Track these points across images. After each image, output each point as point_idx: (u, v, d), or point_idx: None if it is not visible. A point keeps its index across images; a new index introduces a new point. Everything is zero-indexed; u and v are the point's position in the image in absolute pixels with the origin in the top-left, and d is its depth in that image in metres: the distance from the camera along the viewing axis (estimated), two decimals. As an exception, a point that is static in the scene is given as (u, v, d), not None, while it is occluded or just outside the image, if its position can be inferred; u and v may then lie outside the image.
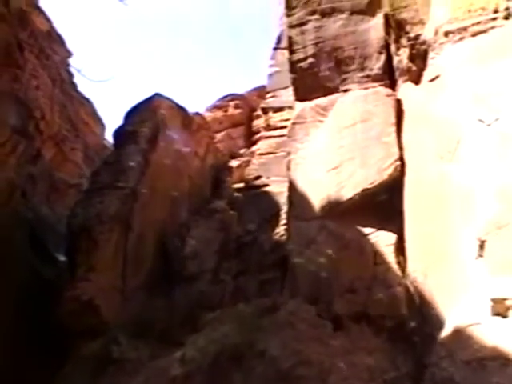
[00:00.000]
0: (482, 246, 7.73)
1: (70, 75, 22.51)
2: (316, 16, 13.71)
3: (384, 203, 11.38)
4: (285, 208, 15.74)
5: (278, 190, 18.63)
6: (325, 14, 13.61)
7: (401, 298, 10.59)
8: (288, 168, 13.67)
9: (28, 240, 15.49)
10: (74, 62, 23.13)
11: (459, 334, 7.97)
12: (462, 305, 8.26)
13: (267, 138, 22.97)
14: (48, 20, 21.21)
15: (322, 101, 13.33)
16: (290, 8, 14.12)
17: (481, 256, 7.80)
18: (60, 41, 22.09)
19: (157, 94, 18.36)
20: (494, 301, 7.35)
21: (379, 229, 11.42)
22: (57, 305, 13.71)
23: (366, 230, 11.55)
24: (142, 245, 15.79)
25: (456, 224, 8.81)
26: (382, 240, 11.28)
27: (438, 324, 8.95)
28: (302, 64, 13.74)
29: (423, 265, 9.95)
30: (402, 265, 10.87)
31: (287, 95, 19.30)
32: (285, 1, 14.46)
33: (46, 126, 18.35)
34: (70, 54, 22.81)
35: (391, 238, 11.21)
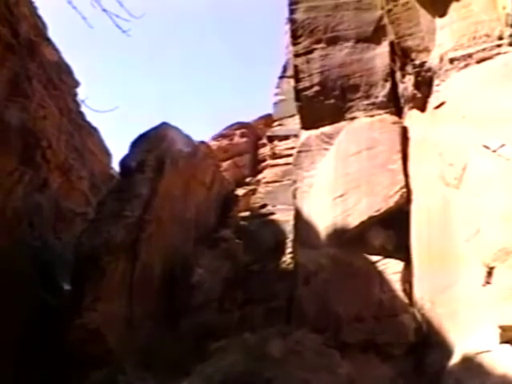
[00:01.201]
0: (489, 272, 7.68)
1: (77, 105, 22.62)
2: (322, 45, 13.78)
3: (390, 231, 11.36)
4: (291, 236, 15.72)
5: (284, 218, 18.62)
6: (330, 43, 13.68)
7: (408, 326, 10.50)
8: (294, 196, 13.67)
9: (34, 268, 15.46)
10: (81, 92, 23.20)
11: (468, 362, 7.89)
12: (470, 332, 8.19)
13: (273, 166, 23.03)
14: (56, 50, 21.38)
15: (327, 129, 13.35)
16: (295, 37, 14.20)
17: (488, 283, 7.74)
18: (68, 71, 22.23)
19: (163, 123, 18.41)
20: (503, 328, 7.28)
21: (386, 256, 11.39)
22: (63, 333, 13.63)
23: (373, 258, 11.51)
24: (149, 274, 15.74)
25: (463, 251, 8.77)
26: (389, 268, 11.22)
27: (447, 352, 8.87)
28: (307, 92, 13.78)
29: (430, 292, 9.89)
30: (409, 292, 10.81)
31: (293, 123, 19.41)
32: (291, 30, 14.54)
33: (52, 155, 18.41)
34: (77, 84, 22.95)
35: (398, 265, 11.16)
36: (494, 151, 8.28)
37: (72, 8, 11.77)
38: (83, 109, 22.81)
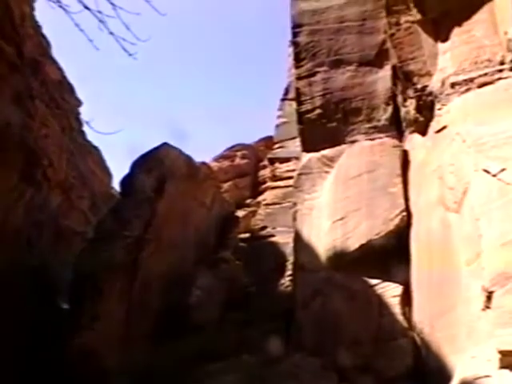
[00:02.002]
0: (489, 297, 7.62)
1: (79, 124, 22.70)
2: (324, 68, 13.84)
3: (390, 254, 11.34)
4: (291, 259, 15.70)
5: (284, 240, 18.59)
6: (333, 66, 13.74)
7: (407, 350, 10.48)
8: (294, 218, 13.67)
9: (32, 287, 15.41)
10: (84, 111, 23.29)
11: (466, 387, 7.83)
12: (469, 357, 8.14)
13: (273, 188, 23.01)
14: (60, 69, 21.49)
15: (328, 152, 13.38)
16: (298, 60, 14.27)
17: (488, 307, 7.69)
18: (70, 90, 22.33)
19: (164, 144, 18.43)
20: (502, 353, 7.22)
21: (385, 280, 11.36)
22: (60, 353, 13.56)
23: (372, 281, 11.48)
24: (147, 294, 15.69)
25: (462, 275, 8.74)
26: (388, 291, 11.21)
27: (445, 376, 8.81)
28: (309, 115, 13.82)
29: (429, 316, 9.85)
30: (408, 316, 10.77)
31: (294, 146, 19.41)
32: (294, 53, 14.62)
33: (53, 174, 18.42)
34: (79, 103, 23.05)
35: (397, 289, 11.14)
36: (495, 175, 8.27)
37: (79, 30, 11.86)
38: (85, 128, 22.90)
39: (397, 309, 10.96)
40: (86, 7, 11.80)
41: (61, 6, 12.01)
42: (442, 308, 9.35)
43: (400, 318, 10.86)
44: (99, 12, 11.83)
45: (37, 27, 19.99)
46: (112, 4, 11.77)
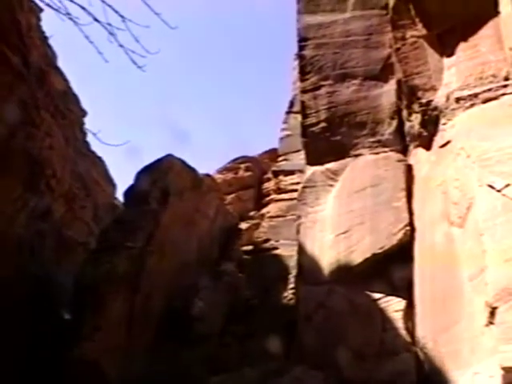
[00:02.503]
0: (492, 312, 7.59)
1: (84, 134, 22.75)
2: (329, 81, 13.85)
3: (394, 268, 11.33)
4: (293, 272, 15.68)
5: (288, 253, 18.55)
6: (338, 80, 13.74)
7: (410, 365, 10.42)
8: (298, 231, 13.65)
9: (34, 297, 15.39)
10: (89, 121, 23.34)
11: (469, 403, 7.81)
12: (472, 373, 8.10)
13: (277, 201, 22.97)
14: (65, 80, 21.57)
15: (332, 165, 13.38)
16: (304, 73, 14.28)
17: (491, 323, 7.65)
18: (75, 100, 22.40)
19: (169, 155, 18.46)
20: (505, 369, 7.18)
21: (388, 294, 11.33)
22: (60, 363, 13.54)
23: (375, 295, 11.45)
24: (149, 306, 15.68)
25: (466, 290, 8.71)
26: (391, 305, 11.17)
27: (448, 392, 8.78)
28: (314, 128, 13.82)
29: (432, 331, 9.81)
30: (411, 330, 10.74)
31: (298, 159, 19.41)
32: (299, 66, 14.64)
33: (57, 184, 18.43)
34: (84, 114, 23.10)
35: (400, 303, 11.10)
36: (499, 191, 8.25)
37: (89, 42, 11.95)
38: (89, 138, 22.95)
39: (400, 323, 10.91)
40: (96, 19, 11.91)
41: (71, 19, 12.12)
42: (445, 323, 9.32)
43: (403, 332, 10.81)
44: (109, 24, 11.94)
45: (43, 37, 20.08)
46: (121, 16, 11.89)
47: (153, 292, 15.86)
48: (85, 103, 23.15)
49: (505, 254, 7.74)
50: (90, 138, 23.02)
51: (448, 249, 9.60)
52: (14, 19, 13.67)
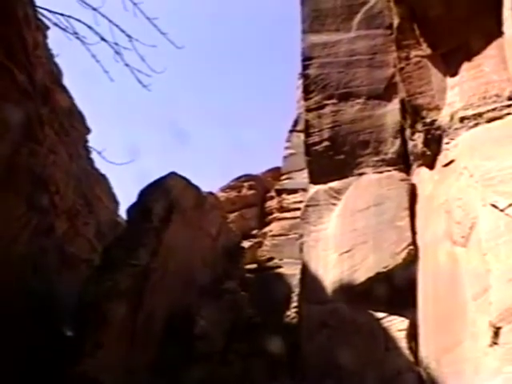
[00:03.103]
0: (496, 333, 7.55)
1: (88, 151, 22.83)
2: (333, 100, 13.90)
3: (397, 288, 11.28)
4: (296, 290, 15.64)
5: (291, 272, 18.55)
6: (342, 99, 13.80)
7: (412, 385, 10.38)
8: (301, 250, 13.64)
9: (36, 314, 15.35)
10: (92, 139, 23.45)
11: (472, 424, 7.75)
12: (475, 393, 8.06)
13: (280, 219, 23.01)
14: (70, 97, 21.67)
15: (336, 184, 13.38)
16: (308, 92, 14.35)
17: (495, 343, 7.61)
18: (80, 118, 22.49)
19: (172, 173, 18.49)
20: (509, 390, 7.15)
21: (391, 313, 11.29)
22: (61, 380, 13.48)
23: (379, 315, 11.41)
24: (151, 323, 15.64)
25: (469, 309, 8.66)
26: (395, 325, 11.13)
27: (451, 413, 8.72)
28: (317, 147, 13.85)
29: (436, 351, 9.74)
30: (415, 350, 10.68)
31: (301, 177, 19.45)
32: (303, 85, 14.70)
33: (60, 201, 18.46)
34: (88, 131, 23.20)
35: (404, 323, 11.06)
36: (502, 210, 8.24)
37: (96, 62, 12.03)
38: (93, 155, 23.02)
39: (403, 343, 10.87)
40: (103, 39, 12.01)
41: (78, 38, 12.21)
42: (448, 343, 9.26)
43: (406, 352, 10.76)
44: (115, 44, 12.03)
45: (49, 55, 20.19)
46: (128, 36, 11.98)
47: (155, 310, 15.83)
48: (90, 121, 23.29)
49: (508, 273, 7.72)
50: (93, 155, 23.10)
51: (451, 268, 9.56)
52: (21, 37, 13.74)
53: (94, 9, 12.01)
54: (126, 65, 11.96)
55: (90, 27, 11.96)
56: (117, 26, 11.96)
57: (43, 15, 14.11)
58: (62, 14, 12.50)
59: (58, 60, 20.92)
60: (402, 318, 11.12)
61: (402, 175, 12.62)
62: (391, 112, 13.18)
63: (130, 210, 17.78)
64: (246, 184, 28.46)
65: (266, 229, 24.08)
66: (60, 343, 15.52)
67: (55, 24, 12.72)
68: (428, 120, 11.38)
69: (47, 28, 19.13)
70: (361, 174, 13.14)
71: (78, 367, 13.63)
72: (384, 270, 11.49)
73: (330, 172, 13.46)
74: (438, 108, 11.26)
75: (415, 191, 12.16)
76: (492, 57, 10.53)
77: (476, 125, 10.16)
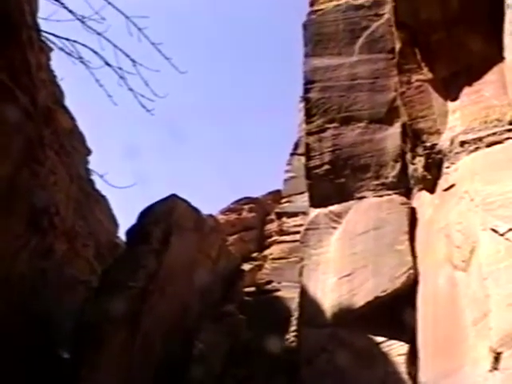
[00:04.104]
0: (496, 358, 7.50)
1: (88, 172, 22.85)
2: (334, 124, 13.93)
3: (396, 312, 11.23)
4: (295, 314, 15.57)
5: (290, 295, 18.50)
6: (343, 123, 13.83)
7: (411, 410, 10.30)
8: (300, 274, 13.57)
9: (34, 335, 15.28)
10: (93, 160, 23.49)
11: None
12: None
13: (280, 242, 23.01)
14: (72, 118, 21.75)
15: (336, 207, 13.36)
16: (309, 115, 14.38)
17: (495, 369, 7.56)
18: (81, 139, 22.56)
19: (172, 195, 18.49)
20: (508, 415, 7.09)
21: (391, 338, 11.23)
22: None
23: (378, 339, 11.35)
24: (149, 347, 15.55)
25: (469, 334, 8.60)
26: (394, 349, 11.06)
27: None
28: (318, 170, 13.85)
29: (435, 376, 9.64)
30: (414, 375, 10.60)
31: (302, 201, 19.48)
32: (305, 108, 14.76)
33: (60, 222, 18.43)
34: (89, 152, 23.25)
35: (403, 347, 11.00)
36: (502, 235, 8.23)
37: (99, 86, 12.09)
38: (93, 177, 23.03)
39: (402, 368, 10.80)
40: (107, 63, 12.10)
41: (82, 62, 12.30)
42: (448, 368, 9.17)
43: (405, 377, 10.68)
44: (119, 68, 12.12)
45: (52, 77, 20.28)
46: (133, 61, 12.06)
47: (153, 333, 15.74)
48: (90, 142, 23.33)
49: (509, 298, 7.69)
50: (93, 177, 23.12)
51: (451, 293, 9.52)
52: (25, 59, 13.80)
53: (99, 33, 12.08)
54: (130, 89, 12.01)
55: (95, 52, 12.05)
56: (121, 50, 12.04)
57: (48, 39, 14.19)
58: (67, 39, 12.59)
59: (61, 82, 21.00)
60: (402, 343, 11.06)
61: (403, 199, 12.62)
62: (392, 136, 13.21)
63: (130, 232, 17.77)
64: (246, 207, 28.49)
65: (266, 252, 24.07)
66: (57, 366, 15.44)
67: (61, 49, 12.81)
68: (428, 144, 11.40)
69: (50, 50, 19.24)
70: (361, 198, 13.13)
71: (75, 390, 13.54)
72: (383, 294, 11.44)
73: (331, 195, 13.45)
74: (438, 132, 11.29)
75: (415, 215, 12.15)
76: (493, 82, 10.59)
77: (476, 149, 10.17)
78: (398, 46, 12.56)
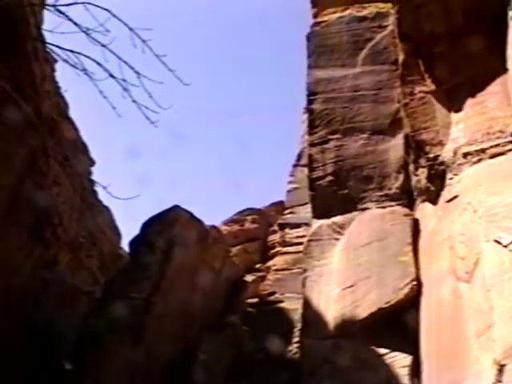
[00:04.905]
0: (500, 370, 7.47)
1: (91, 183, 22.85)
2: (337, 135, 13.95)
3: (400, 323, 11.20)
4: (298, 325, 15.53)
5: (293, 306, 18.46)
6: (346, 134, 13.86)
7: (415, 423, 10.26)
8: (303, 285, 13.56)
9: (36, 347, 15.26)
10: (96, 171, 23.48)
11: None
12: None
13: (283, 253, 22.98)
14: (75, 129, 21.77)
15: (339, 219, 13.37)
16: (312, 127, 14.42)
17: (500, 381, 7.52)
18: (84, 150, 22.57)
19: (175, 206, 18.47)
20: (511, 427, 7.06)
21: (394, 349, 11.20)
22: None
23: (381, 351, 11.32)
24: (151, 358, 15.48)
25: (473, 346, 8.58)
26: (397, 361, 11.03)
27: None
28: (320, 182, 13.86)
29: (438, 388, 9.67)
30: (417, 387, 10.59)
31: (305, 212, 19.46)
32: (308, 120, 14.80)
33: (63, 233, 18.42)
34: (92, 163, 23.26)
35: (407, 359, 10.96)
36: (506, 246, 8.23)
37: (103, 97, 12.13)
38: (96, 187, 23.02)
39: (406, 379, 10.76)
40: (112, 75, 12.14)
41: (86, 74, 12.34)
42: (451, 380, 9.14)
43: (409, 389, 10.69)
44: (123, 80, 12.16)
45: (56, 87, 20.32)
46: (137, 73, 12.10)
47: (156, 344, 15.69)
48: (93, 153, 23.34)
49: (512, 310, 7.68)
50: (96, 187, 23.10)
51: (455, 304, 9.51)
52: (30, 70, 13.85)
53: (103, 45, 12.12)
54: (134, 101, 12.04)
55: (99, 64, 12.08)
56: (125, 62, 12.07)
57: (53, 51, 14.24)
58: (71, 51, 12.63)
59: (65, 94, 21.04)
60: (405, 355, 11.03)
61: (406, 210, 12.62)
62: (395, 147, 13.23)
63: (133, 242, 17.73)
64: (249, 218, 28.51)
65: (269, 263, 24.04)
66: (59, 377, 15.40)
67: (65, 60, 12.85)
68: (431, 155, 11.43)
69: (55, 61, 19.29)
70: (364, 209, 13.14)
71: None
72: (387, 305, 11.43)
73: (334, 207, 13.46)
74: (441, 143, 11.31)
75: (418, 226, 12.15)
76: (496, 93, 10.63)
77: (479, 160, 10.20)
78: (401, 57, 12.62)
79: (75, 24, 12.19)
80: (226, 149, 73.79)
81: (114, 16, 11.87)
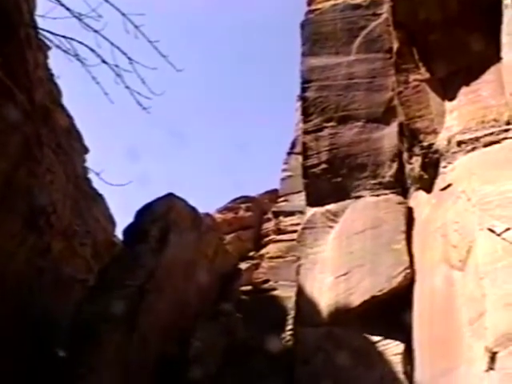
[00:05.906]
0: (492, 358, 7.50)
1: (85, 171, 22.79)
2: (332, 123, 13.94)
3: (393, 311, 11.24)
4: (292, 313, 15.56)
5: (286, 294, 18.47)
6: (340, 122, 13.85)
7: (408, 410, 10.30)
8: (297, 273, 13.58)
9: (30, 335, 15.25)
10: (90, 159, 23.40)
11: None
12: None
13: (277, 241, 23.01)
14: (69, 117, 21.69)
15: (333, 206, 13.38)
16: (306, 114, 14.40)
17: (491, 369, 7.55)
18: (78, 137, 22.49)
19: (169, 194, 18.44)
20: (504, 416, 7.09)
21: (387, 337, 11.24)
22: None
23: (374, 338, 11.35)
24: (145, 347, 15.47)
25: (465, 334, 8.62)
26: (390, 349, 11.07)
27: None
28: (314, 169, 13.86)
29: (431, 376, 9.68)
30: (410, 375, 10.61)
31: (299, 200, 19.46)
32: (302, 107, 14.77)
33: (57, 221, 18.38)
34: (86, 150, 23.17)
35: (399, 346, 11.01)
36: (499, 235, 8.24)
37: (96, 83, 12.11)
38: (90, 175, 22.97)
39: (399, 367, 10.80)
40: (104, 61, 12.11)
41: (79, 59, 12.31)
42: (443, 368, 9.19)
43: (401, 376, 10.69)
44: (116, 66, 12.14)
45: (49, 75, 20.23)
46: (129, 59, 12.08)
47: (150, 332, 15.67)
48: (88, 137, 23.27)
49: (505, 298, 7.69)
50: (90, 175, 23.04)
51: (448, 292, 9.54)
52: (23, 57, 13.78)
53: (96, 31, 12.09)
54: (127, 87, 12.02)
55: (92, 50, 12.05)
56: (118, 48, 12.05)
57: (45, 37, 14.18)
58: (64, 37, 12.59)
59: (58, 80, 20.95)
60: (398, 342, 11.07)
61: (399, 198, 12.64)
62: (389, 135, 13.23)
63: (127, 230, 17.70)
64: (242, 206, 28.51)
65: (263, 251, 24.06)
66: (53, 365, 15.39)
67: (57, 46, 12.81)
68: (425, 144, 11.43)
69: (48, 48, 19.20)
70: (358, 197, 13.15)
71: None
72: (380, 293, 11.46)
73: (328, 194, 13.47)
74: (435, 132, 11.31)
75: (412, 215, 12.17)
76: (490, 82, 10.63)
77: (473, 149, 10.21)
78: (395, 45, 12.59)
79: (67, 9, 12.17)
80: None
81: (107, 1, 11.87)
